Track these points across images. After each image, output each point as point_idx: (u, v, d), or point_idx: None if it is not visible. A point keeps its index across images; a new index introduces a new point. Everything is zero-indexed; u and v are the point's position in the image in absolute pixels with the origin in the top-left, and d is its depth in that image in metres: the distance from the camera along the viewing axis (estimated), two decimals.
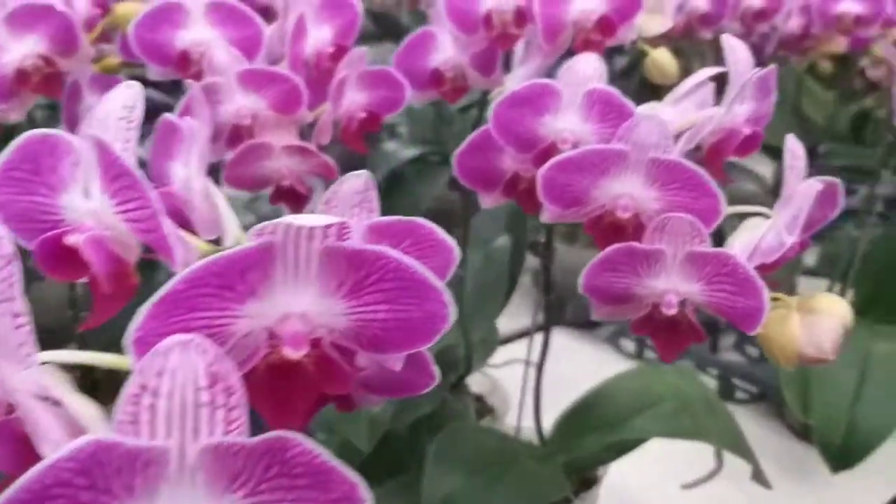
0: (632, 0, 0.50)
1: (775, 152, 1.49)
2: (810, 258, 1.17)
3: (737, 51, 0.38)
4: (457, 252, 0.29)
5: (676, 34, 0.53)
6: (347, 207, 0.27)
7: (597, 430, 0.65)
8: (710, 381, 1.03)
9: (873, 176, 0.88)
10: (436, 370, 0.33)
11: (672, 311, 0.35)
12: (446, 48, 0.58)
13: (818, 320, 0.35)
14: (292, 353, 0.20)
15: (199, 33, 0.50)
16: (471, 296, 0.79)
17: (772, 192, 1.63)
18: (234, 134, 0.47)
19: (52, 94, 0.53)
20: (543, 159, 0.42)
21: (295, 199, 0.48)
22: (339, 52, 0.51)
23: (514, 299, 0.74)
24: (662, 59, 0.50)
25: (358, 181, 0.27)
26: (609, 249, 0.35)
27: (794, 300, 0.38)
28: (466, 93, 0.60)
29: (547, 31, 0.50)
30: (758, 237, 0.35)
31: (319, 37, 0.51)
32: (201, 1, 0.50)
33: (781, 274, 1.04)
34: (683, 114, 0.44)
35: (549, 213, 0.39)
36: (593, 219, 0.38)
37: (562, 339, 0.89)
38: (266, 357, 0.21)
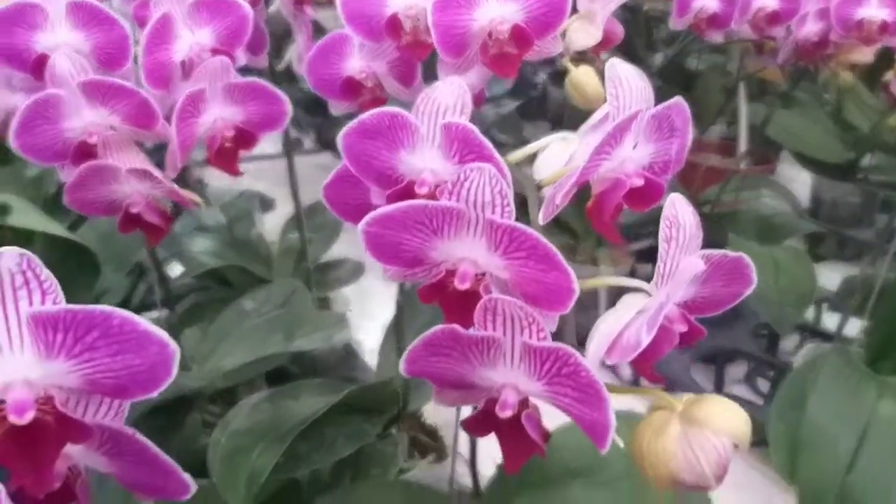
0: (553, 7, 0.41)
1: (814, 164, 1.36)
2: (832, 282, 1.05)
3: (623, 82, 0.30)
4: (172, 347, 0.23)
5: (605, 49, 0.44)
6: (3, 298, 0.21)
7: (533, 489, 0.58)
8: None
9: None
10: (187, 479, 0.27)
11: (507, 413, 0.27)
12: (362, 54, 0.51)
13: (701, 437, 0.27)
14: (17, 420, 0.21)
15: (58, 36, 0.44)
16: (422, 319, 0.72)
17: (809, 212, 1.49)
18: (79, 152, 0.42)
19: None
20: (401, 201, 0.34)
21: (146, 227, 0.42)
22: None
23: None
24: (583, 81, 0.41)
25: (10, 258, 0.20)
26: (430, 332, 0.28)
27: (681, 402, 0.29)
28: (385, 104, 0.53)
29: (446, 43, 0.42)
30: (622, 325, 0.27)
31: (195, 41, 0.45)
32: (61, 3, 0.44)
33: (794, 299, 0.92)
34: (587, 149, 0.36)
35: (391, 273, 0.32)
36: (434, 285, 0.30)
37: None
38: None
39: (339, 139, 0.34)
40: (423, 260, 0.31)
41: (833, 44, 0.80)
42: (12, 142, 0.41)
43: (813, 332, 1.02)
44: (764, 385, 0.98)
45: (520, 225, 0.27)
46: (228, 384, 0.70)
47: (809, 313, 1.03)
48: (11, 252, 0.20)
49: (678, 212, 0.27)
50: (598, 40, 0.43)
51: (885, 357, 0.77)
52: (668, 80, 1.67)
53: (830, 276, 1.12)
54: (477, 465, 0.61)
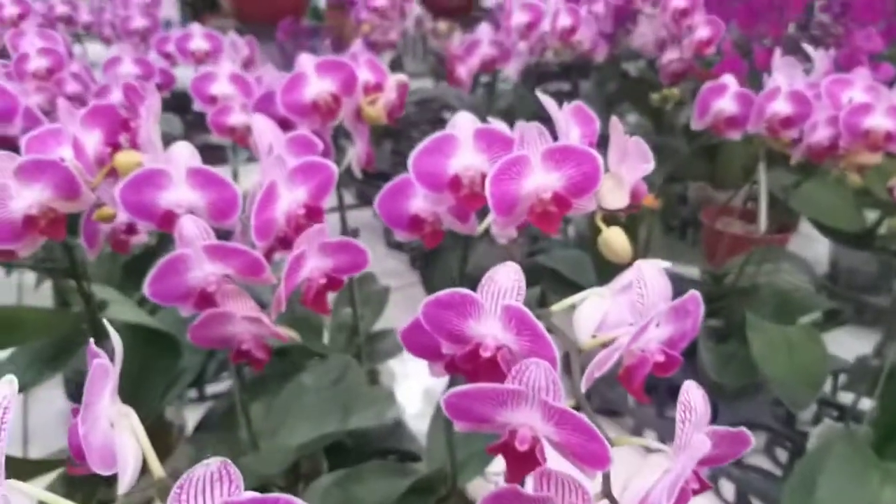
0: (587, 177, 0.50)
1: (832, 232, 1.42)
2: (850, 348, 1.11)
3: (648, 283, 0.38)
4: None
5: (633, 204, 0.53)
6: (206, 489, 0.29)
7: None
8: (727, 488, 1.00)
9: None
10: None
11: None
12: (426, 199, 0.60)
13: None
14: None
15: (180, 195, 0.54)
16: None
17: (828, 277, 1.55)
18: (200, 297, 0.51)
19: (56, 236, 0.58)
20: (469, 359, 0.43)
21: (252, 359, 0.51)
22: (311, 213, 0.54)
23: None
24: (612, 240, 0.50)
25: (215, 465, 0.29)
26: (498, 490, 0.36)
27: None
28: (442, 236, 0.61)
29: (500, 207, 0.51)
30: (649, 486, 0.35)
31: (292, 199, 0.54)
32: (182, 168, 0.53)
33: (807, 379, 0.98)
34: (618, 308, 0.44)
35: (461, 426, 0.41)
36: (501, 444, 0.38)
37: None
38: None
39: (421, 309, 0.43)
40: (490, 422, 0.39)
41: (842, 148, 0.88)
42: (146, 289, 0.50)
43: (829, 404, 1.07)
44: (783, 455, 1.04)
45: (568, 408, 0.35)
46: (294, 458, 0.79)
47: (826, 385, 1.08)
48: (217, 460, 0.29)
49: (691, 398, 0.35)
50: (625, 204, 0.51)
51: (893, 438, 0.83)
52: (693, 140, 1.75)
53: (848, 342, 1.18)
54: None
